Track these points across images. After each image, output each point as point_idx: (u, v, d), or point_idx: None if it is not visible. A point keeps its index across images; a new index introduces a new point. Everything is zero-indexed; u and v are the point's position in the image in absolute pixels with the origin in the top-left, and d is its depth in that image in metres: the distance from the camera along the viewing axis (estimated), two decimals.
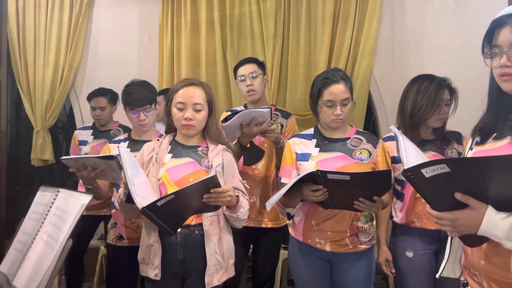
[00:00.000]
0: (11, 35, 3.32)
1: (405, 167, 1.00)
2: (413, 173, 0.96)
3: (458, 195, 0.97)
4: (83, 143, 2.89)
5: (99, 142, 2.82)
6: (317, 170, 1.49)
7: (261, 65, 2.31)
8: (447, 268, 1.20)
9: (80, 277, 2.86)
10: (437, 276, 1.22)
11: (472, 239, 1.04)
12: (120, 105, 2.21)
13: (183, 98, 1.67)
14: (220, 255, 1.65)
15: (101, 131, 2.89)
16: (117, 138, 2.22)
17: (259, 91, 2.25)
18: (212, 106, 1.73)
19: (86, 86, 3.36)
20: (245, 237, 2.21)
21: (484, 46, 1.10)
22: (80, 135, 2.94)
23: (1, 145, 2.21)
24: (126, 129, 2.82)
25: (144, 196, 1.46)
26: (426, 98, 1.86)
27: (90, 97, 2.91)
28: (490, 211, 0.96)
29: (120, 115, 2.26)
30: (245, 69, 2.26)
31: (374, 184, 1.55)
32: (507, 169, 0.90)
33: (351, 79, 1.81)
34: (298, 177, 1.57)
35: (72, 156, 2.12)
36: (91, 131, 2.93)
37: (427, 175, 0.94)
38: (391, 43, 3.02)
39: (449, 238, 1.19)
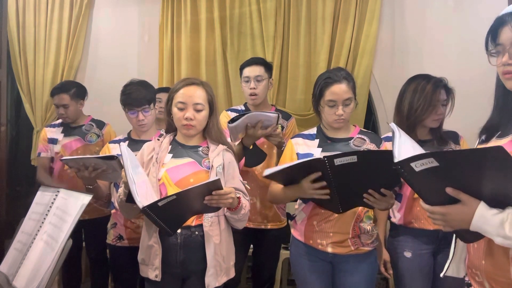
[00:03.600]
0: (11, 35, 3.32)
1: (395, 161, 0.99)
2: (403, 167, 0.96)
3: (449, 190, 0.97)
4: (53, 141, 2.68)
5: (71, 140, 2.64)
6: (324, 157, 1.45)
7: (269, 68, 2.29)
8: (452, 268, 1.20)
9: (77, 282, 2.85)
10: (441, 275, 1.21)
11: (467, 235, 1.04)
12: (115, 103, 2.16)
13: (183, 98, 1.67)
14: (220, 256, 1.64)
15: (72, 128, 2.69)
16: (116, 138, 2.21)
17: (261, 96, 2.24)
18: (213, 106, 1.72)
19: (86, 86, 3.33)
20: (245, 237, 2.21)
21: (488, 45, 1.10)
22: (49, 132, 2.71)
23: (1, 145, 2.21)
24: (99, 124, 2.73)
25: (144, 196, 1.46)
26: (422, 99, 1.86)
27: (52, 93, 2.65)
28: (482, 207, 0.96)
29: (117, 112, 2.25)
30: (251, 71, 2.23)
31: (382, 167, 1.46)
32: (493, 162, 0.89)
33: (353, 78, 1.80)
34: (307, 159, 1.53)
35: (73, 157, 2.10)
36: (61, 128, 2.71)
37: (417, 169, 0.94)
38: (391, 43, 3.02)
39: (454, 237, 1.19)
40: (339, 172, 1.48)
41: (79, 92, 2.70)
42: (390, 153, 1.48)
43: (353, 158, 1.44)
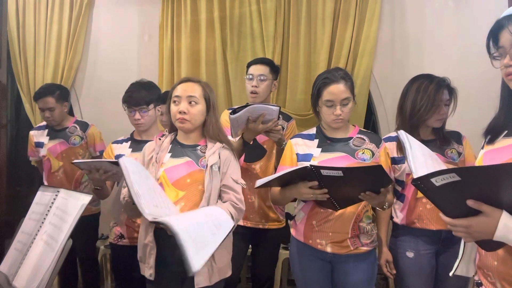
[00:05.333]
0: (11, 35, 3.32)
1: (415, 177, 0.99)
2: (423, 182, 0.95)
3: (470, 202, 0.96)
4: (40, 145, 2.71)
5: (56, 143, 2.66)
6: (311, 165, 1.48)
7: (274, 70, 2.29)
8: (461, 267, 1.19)
9: (74, 282, 2.85)
10: (450, 274, 1.21)
11: (489, 244, 1.03)
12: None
13: (179, 92, 1.68)
14: (211, 256, 1.63)
15: (56, 130, 2.70)
16: (119, 138, 2.22)
17: (262, 95, 2.23)
18: (210, 103, 1.72)
19: (86, 86, 3.35)
20: (244, 237, 2.21)
21: (490, 48, 1.11)
22: (35, 136, 2.74)
23: (1, 145, 2.21)
24: (82, 126, 2.73)
25: (153, 203, 1.44)
26: (425, 99, 1.85)
27: (36, 97, 2.65)
28: (505, 217, 0.95)
29: (117, 112, 2.26)
30: (255, 69, 2.24)
31: (370, 179, 1.53)
32: None
33: (352, 78, 1.80)
34: (294, 168, 1.56)
35: (84, 160, 2.11)
36: (46, 131, 2.72)
37: (437, 184, 0.93)
38: (391, 43, 3.02)
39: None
40: (327, 179, 1.51)
41: (63, 94, 2.70)
42: (376, 168, 1.49)
43: (339, 173, 1.46)
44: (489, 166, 1.01)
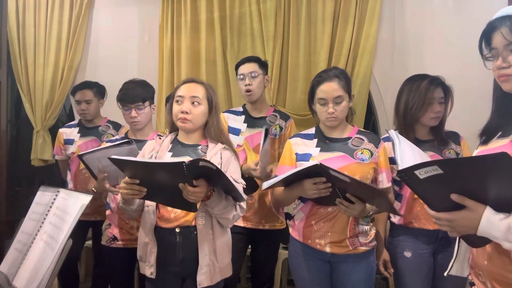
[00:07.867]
0: (11, 35, 3.32)
1: (399, 168, 1.00)
2: (407, 174, 0.96)
3: (454, 196, 0.97)
4: (69, 142, 2.68)
5: (87, 140, 2.64)
6: (320, 163, 1.48)
7: (263, 65, 2.30)
8: (455, 267, 1.20)
9: (75, 282, 2.85)
10: (445, 274, 1.21)
11: (475, 240, 1.04)
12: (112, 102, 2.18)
13: (182, 92, 1.69)
14: (213, 255, 1.64)
15: (88, 128, 2.69)
16: (113, 138, 2.22)
17: (256, 92, 2.24)
18: (212, 104, 1.72)
19: None
20: (243, 238, 2.21)
21: (482, 49, 1.12)
22: (65, 133, 2.72)
23: (1, 145, 2.22)
24: (115, 125, 2.72)
25: None
26: (417, 97, 1.87)
27: (74, 91, 2.71)
28: (488, 212, 0.96)
29: (117, 112, 2.26)
30: (245, 68, 2.25)
31: (373, 197, 1.58)
32: (498, 168, 0.89)
33: (348, 77, 1.79)
34: (302, 167, 1.57)
35: (90, 150, 2.06)
36: (77, 128, 2.71)
37: (421, 177, 0.94)
38: (391, 43, 3.02)
39: (457, 237, 1.19)
40: (333, 179, 1.52)
41: (100, 90, 2.74)
42: (380, 192, 1.55)
43: (346, 178, 1.48)
44: (468, 157, 1.03)
